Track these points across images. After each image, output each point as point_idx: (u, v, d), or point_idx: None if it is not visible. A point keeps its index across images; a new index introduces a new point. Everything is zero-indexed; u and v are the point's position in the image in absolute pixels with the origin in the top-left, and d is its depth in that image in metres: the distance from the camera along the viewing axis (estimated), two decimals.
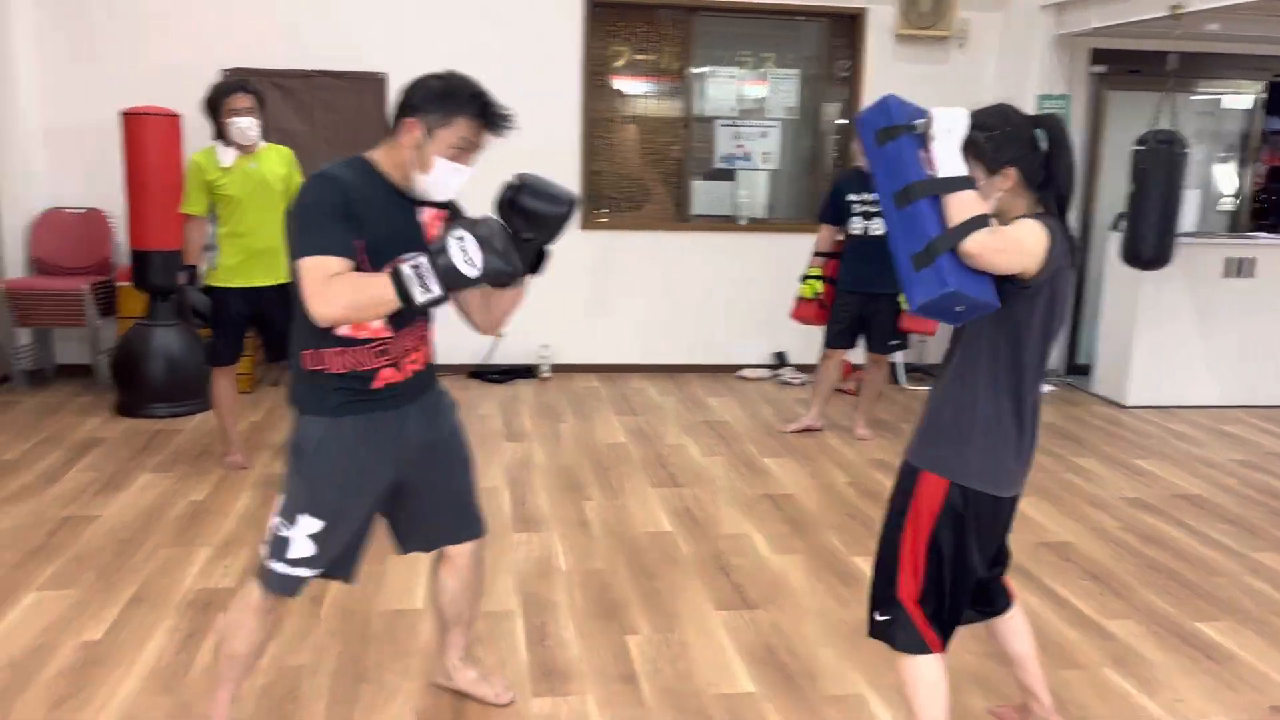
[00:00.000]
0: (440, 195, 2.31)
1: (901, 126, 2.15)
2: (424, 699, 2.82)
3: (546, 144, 6.15)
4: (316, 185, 2.21)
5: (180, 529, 3.99)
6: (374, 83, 6.38)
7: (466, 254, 2.10)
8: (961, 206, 2.06)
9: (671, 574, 3.72)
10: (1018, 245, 2.08)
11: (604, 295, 6.95)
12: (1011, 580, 2.58)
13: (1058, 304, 2.21)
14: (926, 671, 2.30)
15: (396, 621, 3.26)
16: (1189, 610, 3.54)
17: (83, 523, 4.01)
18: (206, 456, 4.86)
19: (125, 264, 5.98)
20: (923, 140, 2.14)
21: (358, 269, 2.17)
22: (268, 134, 4.57)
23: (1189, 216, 6.31)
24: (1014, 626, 2.55)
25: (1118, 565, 3.93)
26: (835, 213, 5.38)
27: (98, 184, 6.13)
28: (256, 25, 6.30)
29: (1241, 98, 7.44)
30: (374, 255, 2.19)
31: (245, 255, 4.42)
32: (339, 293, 2.11)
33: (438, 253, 2.11)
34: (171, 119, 5.56)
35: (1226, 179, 7.56)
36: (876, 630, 2.36)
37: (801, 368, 6.96)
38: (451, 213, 2.42)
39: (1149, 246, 5.90)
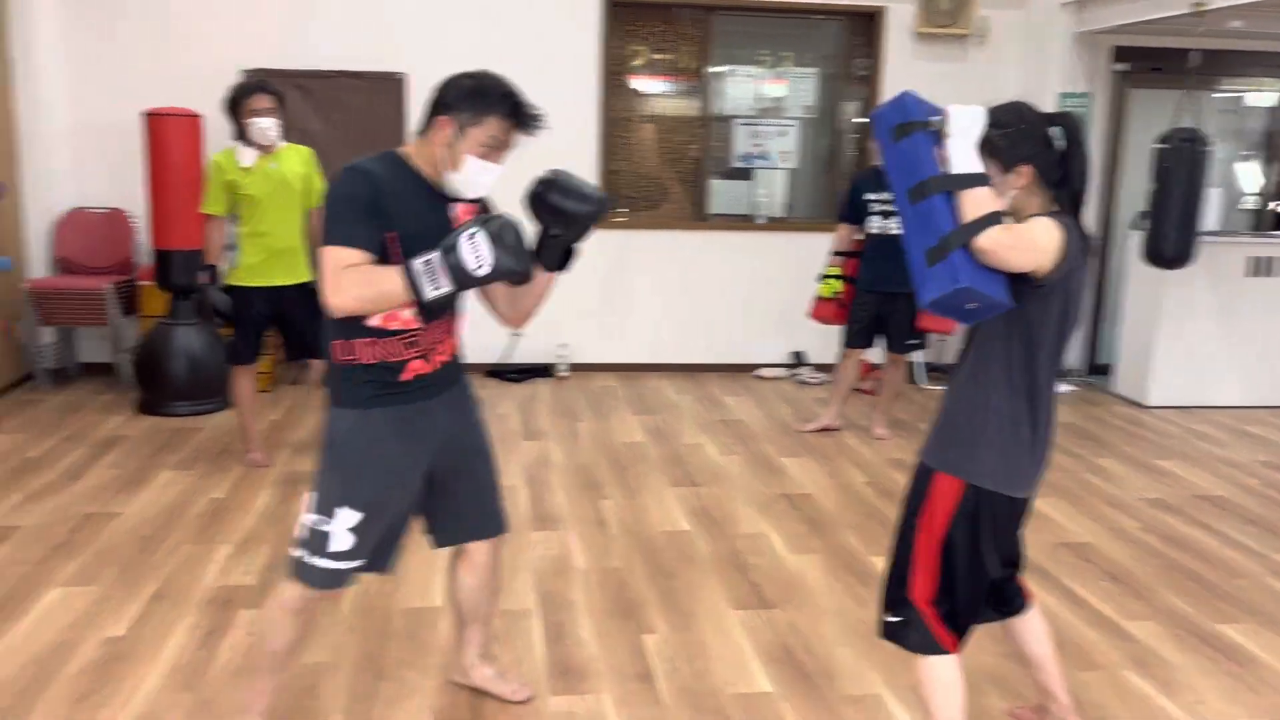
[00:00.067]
0: (471, 193, 2.33)
1: (917, 123, 2.15)
2: (442, 696, 2.83)
3: (565, 143, 6.13)
4: (348, 178, 2.23)
5: (201, 526, 4.02)
6: (393, 83, 6.41)
7: (477, 251, 2.11)
8: (976, 203, 2.06)
9: (689, 573, 3.73)
10: (1031, 242, 2.07)
11: (622, 294, 6.96)
12: (1030, 581, 2.58)
13: (1072, 303, 2.19)
14: (943, 672, 2.29)
15: (416, 619, 3.28)
16: (1210, 612, 3.52)
17: (105, 520, 4.05)
18: (227, 454, 4.89)
19: (147, 263, 6.04)
20: (938, 137, 2.13)
21: (387, 262, 2.18)
22: (288, 134, 4.59)
23: (1211, 215, 6.26)
24: (1032, 627, 2.54)
25: (1138, 566, 3.90)
26: (853, 212, 5.37)
27: (120, 184, 6.20)
28: (277, 26, 6.34)
29: (1264, 95, 7.38)
30: (407, 248, 2.20)
31: (266, 255, 4.45)
32: (350, 283, 2.15)
33: (448, 249, 2.13)
34: (193, 119, 5.61)
35: (1249, 177, 7.49)
36: (887, 632, 2.36)
37: (819, 367, 6.95)
38: (482, 209, 2.43)
39: (1171, 245, 5.86)
